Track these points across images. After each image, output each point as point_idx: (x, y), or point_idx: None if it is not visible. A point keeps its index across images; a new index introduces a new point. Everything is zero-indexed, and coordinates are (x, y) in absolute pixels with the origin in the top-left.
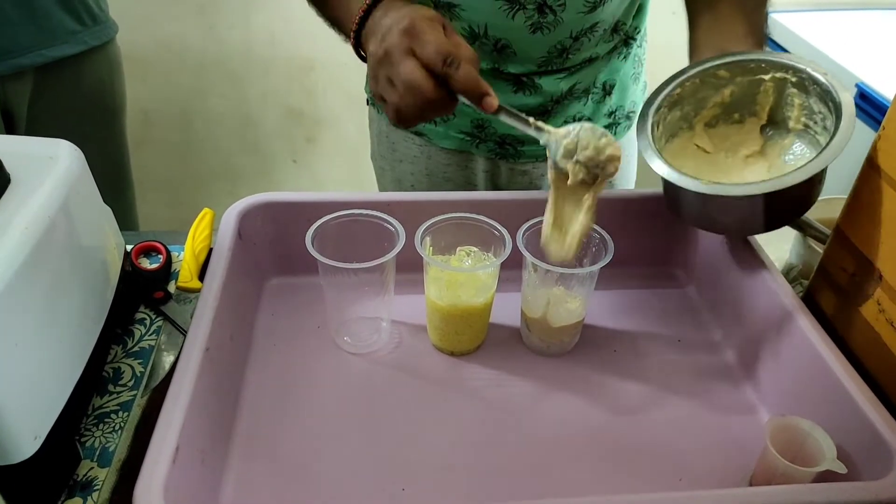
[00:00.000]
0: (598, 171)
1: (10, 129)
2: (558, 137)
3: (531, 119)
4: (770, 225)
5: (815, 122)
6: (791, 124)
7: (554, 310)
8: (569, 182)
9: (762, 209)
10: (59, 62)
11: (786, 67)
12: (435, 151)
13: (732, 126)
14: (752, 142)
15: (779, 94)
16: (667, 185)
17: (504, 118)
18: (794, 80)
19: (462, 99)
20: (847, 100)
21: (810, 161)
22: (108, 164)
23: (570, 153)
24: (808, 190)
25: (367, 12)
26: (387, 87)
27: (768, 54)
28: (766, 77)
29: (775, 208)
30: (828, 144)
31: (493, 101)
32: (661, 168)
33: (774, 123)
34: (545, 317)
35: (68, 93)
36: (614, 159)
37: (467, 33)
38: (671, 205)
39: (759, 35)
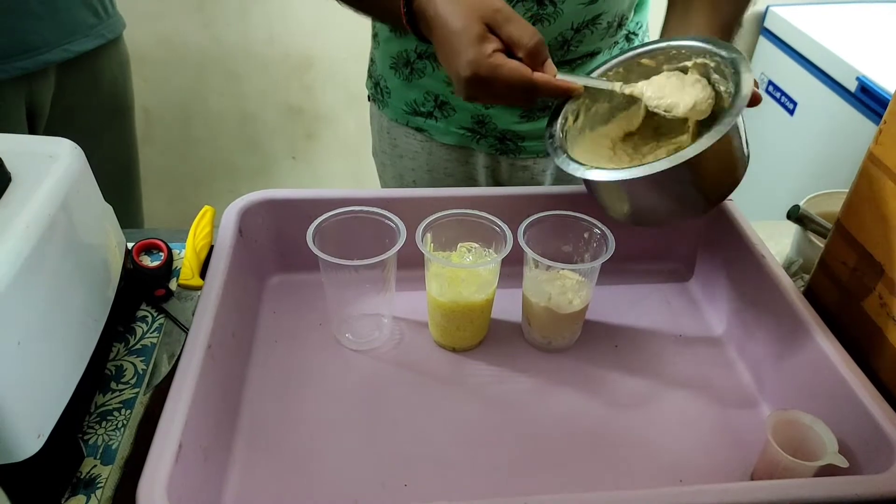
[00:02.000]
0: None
1: (32, 130)
2: (647, 87)
3: (617, 86)
4: (704, 204)
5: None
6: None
7: (556, 300)
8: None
9: (682, 188)
10: (79, 59)
11: (704, 52)
12: (436, 147)
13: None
14: (678, 131)
15: (707, 80)
16: (585, 184)
17: (591, 88)
18: (712, 64)
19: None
20: (747, 79)
21: (707, 134)
22: (120, 162)
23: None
24: (720, 161)
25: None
26: (490, 98)
27: (688, 39)
28: (689, 63)
29: (694, 185)
30: (724, 116)
31: (578, 90)
32: (566, 164)
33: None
34: (548, 307)
35: (87, 90)
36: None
37: None
38: (596, 200)
39: (727, 29)
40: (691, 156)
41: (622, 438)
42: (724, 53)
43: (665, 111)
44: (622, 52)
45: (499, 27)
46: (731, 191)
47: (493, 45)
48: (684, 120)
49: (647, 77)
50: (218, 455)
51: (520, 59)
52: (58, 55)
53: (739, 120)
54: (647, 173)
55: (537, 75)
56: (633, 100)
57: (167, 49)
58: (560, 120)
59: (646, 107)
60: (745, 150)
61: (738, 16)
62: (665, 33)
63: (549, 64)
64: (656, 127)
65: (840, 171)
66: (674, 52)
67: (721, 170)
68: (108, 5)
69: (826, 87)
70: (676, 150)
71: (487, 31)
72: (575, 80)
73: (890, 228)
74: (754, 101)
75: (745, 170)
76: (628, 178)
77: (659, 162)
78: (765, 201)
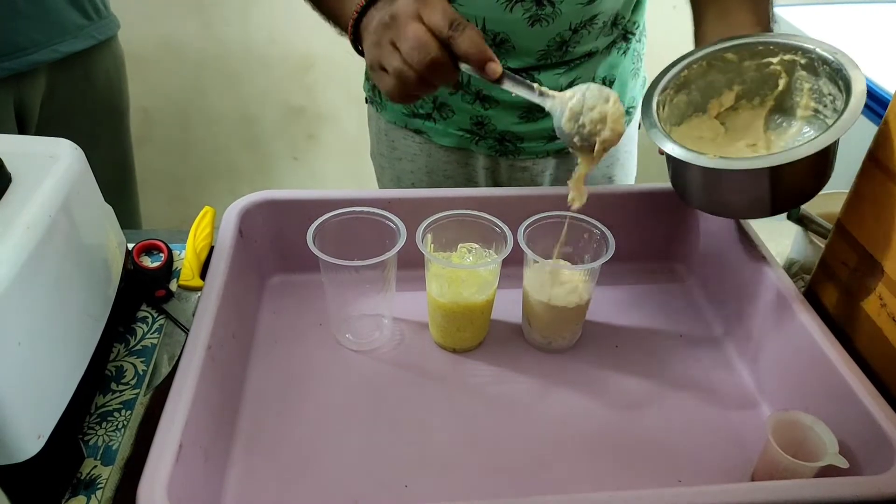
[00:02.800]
0: (594, 137)
1: (22, 131)
2: (563, 101)
3: (535, 85)
4: (776, 206)
5: (825, 106)
6: (800, 112)
7: (556, 298)
8: (569, 149)
9: (768, 187)
10: (70, 59)
11: (794, 49)
12: (434, 149)
13: (741, 114)
14: (754, 131)
15: (789, 77)
16: (675, 167)
17: (508, 86)
18: (803, 61)
19: (464, 68)
20: (857, 77)
21: (819, 135)
22: (116, 163)
23: (575, 115)
24: (815, 168)
25: (366, 8)
26: (390, 53)
27: (777, 36)
28: (775, 60)
29: (783, 187)
30: (838, 119)
31: (497, 67)
32: (668, 146)
33: (783, 111)
34: (548, 304)
35: (79, 91)
36: (618, 124)
37: None
38: (678, 187)
39: (766, 24)
40: (813, 151)
41: (622, 439)
42: (818, 51)
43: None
44: (707, 45)
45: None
46: (813, 195)
47: None
48: (752, 119)
49: (727, 73)
50: (218, 455)
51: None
52: (46, 56)
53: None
54: (781, 161)
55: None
56: (708, 94)
57: (167, 49)
58: (653, 109)
59: (729, 101)
60: (834, 162)
61: (772, 13)
62: (703, 30)
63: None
64: (727, 127)
65: (840, 171)
66: (760, 47)
67: (809, 178)
68: (99, 7)
69: None
70: (754, 148)
71: None
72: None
73: (890, 229)
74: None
75: (827, 181)
76: (723, 167)
77: (777, 154)
78: None
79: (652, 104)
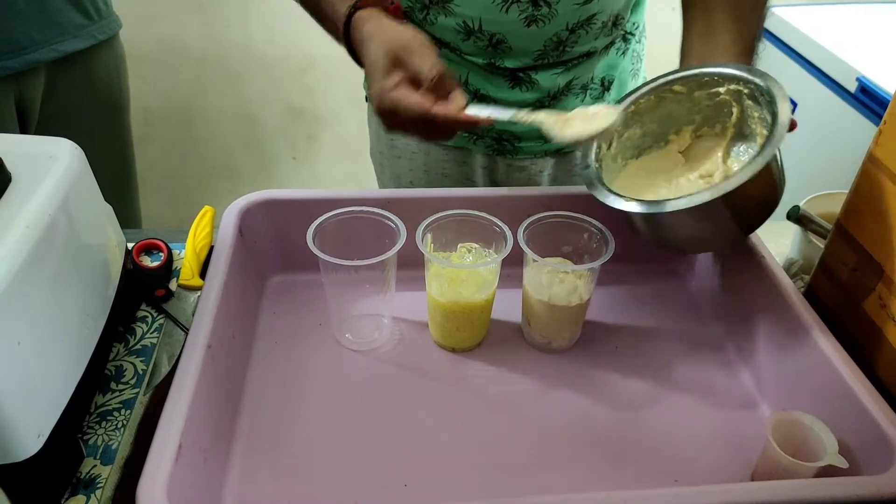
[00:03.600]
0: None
1: (23, 129)
2: (546, 127)
3: (521, 113)
4: (744, 230)
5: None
6: (758, 139)
7: (556, 296)
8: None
9: (711, 223)
10: (70, 58)
11: (737, 79)
12: (433, 148)
13: (702, 143)
14: (712, 160)
15: (740, 106)
16: (629, 219)
17: (486, 117)
18: (745, 91)
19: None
20: (784, 109)
21: (737, 172)
22: (115, 161)
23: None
24: (760, 188)
25: (348, 20)
26: (403, 131)
27: (717, 66)
28: (722, 90)
29: (721, 221)
30: (757, 154)
31: (484, 122)
32: (608, 199)
33: (744, 138)
34: (548, 302)
35: (79, 89)
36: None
37: (461, 29)
38: (647, 235)
39: (748, 42)
40: (733, 187)
41: (622, 439)
42: (758, 81)
43: (571, 138)
44: (654, 80)
45: (404, 61)
46: (769, 215)
47: (395, 78)
48: (712, 147)
49: (680, 104)
50: (218, 455)
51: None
52: (45, 55)
53: (778, 150)
54: (688, 205)
55: (437, 109)
56: (664, 126)
57: (168, 49)
58: (594, 149)
59: (691, 132)
60: (782, 175)
61: (760, 28)
62: (688, 51)
63: (456, 94)
64: (687, 156)
65: (840, 171)
66: (706, 78)
67: (760, 196)
68: (100, 6)
69: (826, 88)
70: (709, 179)
71: (394, 64)
72: (479, 113)
73: (890, 229)
74: (791, 127)
75: (782, 194)
76: (670, 209)
77: (700, 193)
78: None
79: (590, 154)
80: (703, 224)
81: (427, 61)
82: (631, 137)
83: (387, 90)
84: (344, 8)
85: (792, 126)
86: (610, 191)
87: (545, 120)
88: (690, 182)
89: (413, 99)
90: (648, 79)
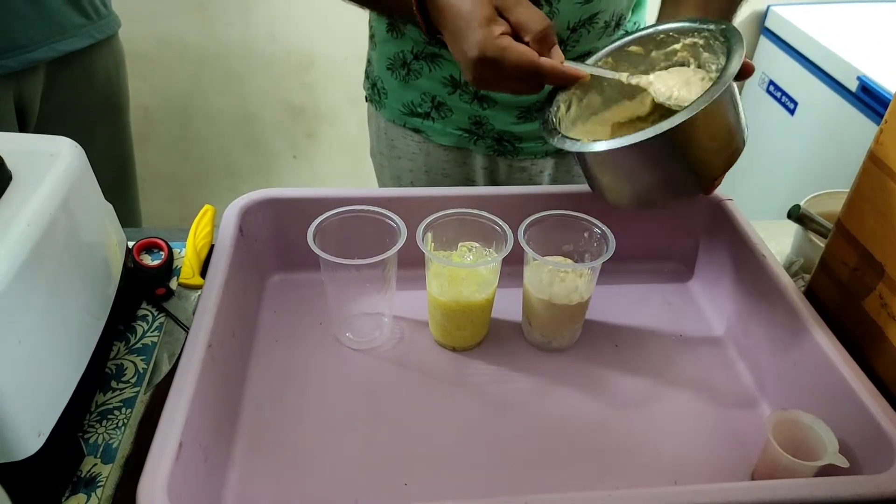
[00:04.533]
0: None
1: (22, 128)
2: (659, 94)
3: (624, 76)
4: (701, 176)
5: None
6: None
7: (557, 294)
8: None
9: (673, 160)
10: (69, 57)
11: (691, 31)
12: (433, 148)
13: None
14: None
15: (697, 61)
16: (583, 166)
17: (598, 75)
18: (701, 42)
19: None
20: (736, 51)
21: (695, 100)
22: (115, 160)
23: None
24: (707, 133)
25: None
26: (498, 84)
27: (673, 21)
28: (678, 46)
29: (685, 157)
30: (717, 80)
31: (585, 77)
32: (555, 140)
33: None
34: (549, 301)
35: (79, 88)
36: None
37: None
38: (595, 187)
39: (715, 14)
40: (679, 122)
41: (622, 438)
42: (712, 27)
43: (675, 105)
44: (610, 43)
45: (508, 11)
46: (728, 165)
47: (501, 27)
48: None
49: (636, 66)
50: (218, 454)
51: (527, 44)
52: (44, 54)
53: (735, 92)
54: (636, 140)
55: (544, 60)
56: (627, 92)
57: (168, 48)
58: (553, 107)
59: (652, 99)
60: (742, 122)
61: (730, 9)
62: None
63: (557, 50)
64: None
65: (841, 170)
66: (661, 36)
67: (715, 140)
68: (99, 6)
69: (827, 87)
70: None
71: (496, 13)
72: (582, 68)
73: (891, 228)
74: (746, 71)
75: (744, 143)
76: (617, 146)
77: (647, 130)
78: (765, 201)
79: (549, 108)
80: (654, 167)
81: (535, 14)
82: (591, 104)
83: (492, 37)
84: None
85: (747, 70)
86: (565, 136)
87: (654, 83)
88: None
89: (521, 48)
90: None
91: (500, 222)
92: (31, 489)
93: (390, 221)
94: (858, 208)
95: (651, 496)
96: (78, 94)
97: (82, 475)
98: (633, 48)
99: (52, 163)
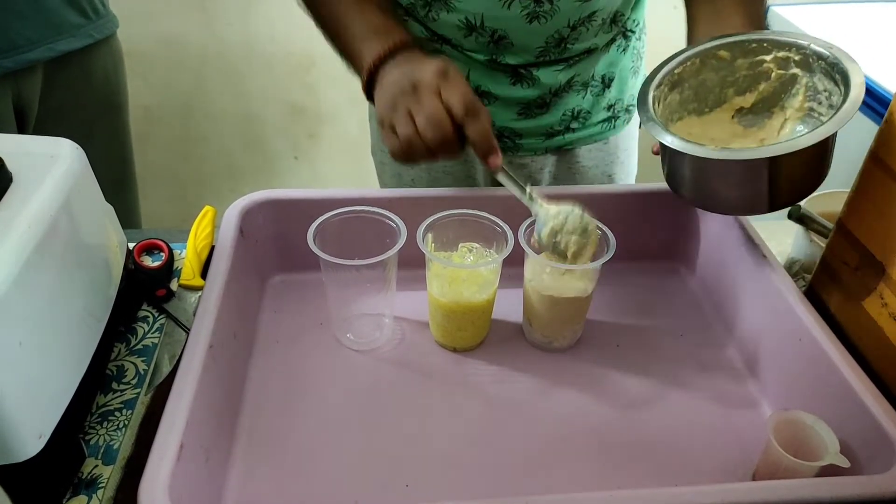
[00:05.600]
0: (567, 251)
1: (21, 127)
2: (548, 215)
3: (528, 188)
4: (774, 202)
5: (820, 103)
6: (793, 110)
7: (557, 289)
8: (541, 253)
9: (767, 180)
10: (67, 56)
11: (788, 45)
12: None
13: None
14: (766, 130)
15: (782, 74)
16: (671, 161)
17: (502, 179)
18: (797, 58)
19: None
20: (855, 69)
21: (819, 126)
22: (114, 160)
23: (554, 233)
24: (815, 161)
25: (384, 59)
26: (405, 120)
27: (771, 33)
28: (768, 57)
29: (782, 179)
30: (837, 111)
31: (497, 160)
32: (667, 138)
33: (758, 111)
34: (550, 295)
35: (77, 88)
36: (585, 254)
37: (463, 25)
38: (674, 182)
39: (759, 26)
40: (815, 140)
41: (623, 438)
42: (813, 46)
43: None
44: (699, 44)
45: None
46: (811, 190)
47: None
48: (769, 115)
49: (719, 72)
50: (219, 455)
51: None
52: (42, 54)
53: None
54: (782, 151)
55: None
56: (701, 93)
57: (169, 48)
58: (650, 103)
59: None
60: (831, 159)
61: (765, 12)
62: (695, 32)
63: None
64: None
65: (841, 170)
66: (754, 44)
67: (812, 168)
68: (98, 6)
69: None
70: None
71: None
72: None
73: (891, 228)
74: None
75: (823, 180)
76: (731, 157)
77: (779, 145)
78: None
79: (648, 99)
80: (751, 181)
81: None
82: (671, 103)
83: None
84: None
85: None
86: (671, 133)
87: (545, 208)
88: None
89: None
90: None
91: (501, 223)
92: (33, 491)
93: (391, 222)
94: (859, 208)
95: (652, 496)
96: (76, 94)
97: (83, 477)
98: (721, 52)
99: (53, 164)
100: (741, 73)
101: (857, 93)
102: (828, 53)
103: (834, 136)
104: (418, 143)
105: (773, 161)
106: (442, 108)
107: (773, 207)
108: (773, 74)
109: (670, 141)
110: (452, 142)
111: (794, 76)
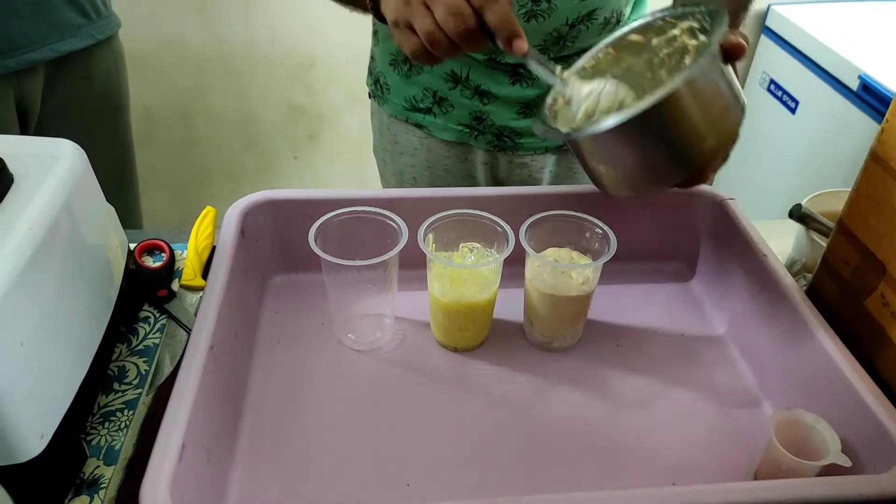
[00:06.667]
0: None
1: (23, 127)
2: (580, 97)
3: (558, 69)
4: (691, 159)
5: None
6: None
7: (558, 287)
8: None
9: (655, 142)
10: (69, 57)
11: (687, 15)
12: (435, 143)
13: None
14: None
15: (696, 45)
16: (577, 156)
17: (532, 64)
18: (697, 26)
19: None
20: (721, 24)
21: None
22: (115, 160)
23: (589, 115)
24: (697, 110)
25: None
26: (422, 14)
27: (667, 9)
28: (677, 32)
29: (669, 140)
30: (690, 65)
31: (523, 44)
32: (540, 129)
33: None
34: (552, 294)
35: (79, 87)
36: None
37: None
38: (593, 178)
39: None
40: (659, 97)
41: (624, 438)
42: (702, 9)
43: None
44: (611, 35)
45: None
46: (724, 143)
47: None
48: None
49: (640, 55)
50: (221, 455)
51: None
52: (43, 54)
53: (726, 73)
54: (621, 120)
55: None
56: (630, 80)
57: (169, 49)
58: (549, 100)
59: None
60: (737, 100)
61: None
62: None
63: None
64: None
65: (842, 169)
66: (660, 23)
67: (707, 117)
68: (99, 6)
69: (828, 86)
70: None
71: None
72: (530, 50)
73: (892, 227)
74: (735, 51)
75: (742, 118)
76: (606, 127)
77: (627, 110)
78: (766, 200)
79: (547, 99)
80: (638, 151)
81: None
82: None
83: None
84: None
85: (735, 50)
86: (552, 128)
87: (577, 87)
88: None
89: None
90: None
91: (502, 223)
92: (34, 491)
93: (391, 222)
94: (860, 207)
95: (654, 496)
96: (78, 95)
97: (85, 477)
98: (633, 37)
99: (54, 165)
100: (662, 51)
101: (713, 43)
102: (706, 14)
103: (699, 85)
104: (440, 36)
105: (643, 120)
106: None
107: (682, 176)
108: (690, 46)
109: (541, 131)
110: (475, 30)
111: (705, 44)
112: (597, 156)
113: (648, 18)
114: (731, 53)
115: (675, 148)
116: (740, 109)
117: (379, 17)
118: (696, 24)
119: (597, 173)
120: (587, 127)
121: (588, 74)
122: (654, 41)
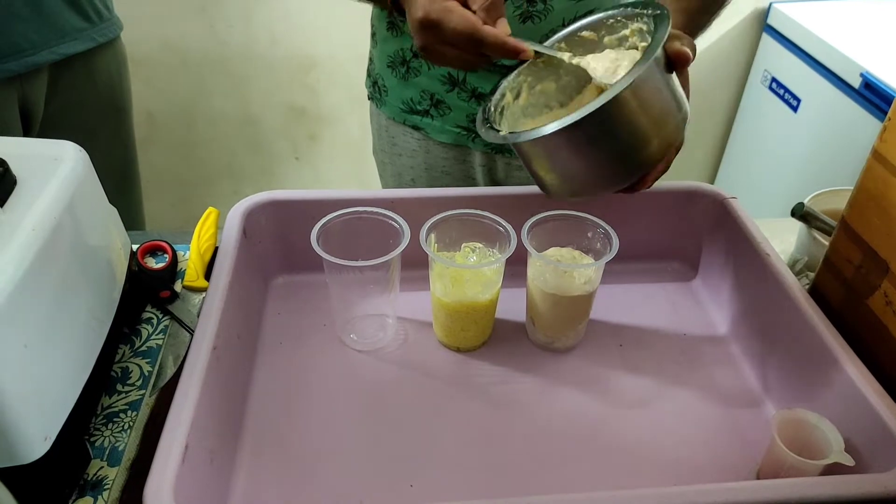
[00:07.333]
0: None
1: (27, 130)
2: (596, 76)
3: (566, 56)
4: (631, 164)
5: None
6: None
7: (560, 286)
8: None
9: (596, 147)
10: (71, 59)
11: (635, 16)
12: (433, 145)
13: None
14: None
15: (645, 46)
16: (521, 157)
17: (544, 50)
18: (644, 27)
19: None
20: (662, 30)
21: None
22: (117, 162)
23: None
24: (637, 117)
25: None
26: (436, 56)
27: (618, 7)
28: (628, 31)
29: (606, 146)
30: (636, 64)
31: (525, 49)
32: (483, 132)
33: None
34: (553, 293)
35: (82, 90)
36: None
37: None
38: (537, 181)
39: (686, 10)
40: (598, 105)
41: (626, 438)
42: (649, 11)
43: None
44: (564, 29)
45: None
46: (664, 150)
47: None
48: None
49: (591, 52)
50: (224, 456)
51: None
52: (45, 57)
53: (668, 79)
54: (562, 125)
55: (486, 28)
56: (582, 80)
57: (170, 51)
58: (496, 96)
59: (597, 86)
60: (679, 107)
61: (706, 9)
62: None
63: (504, 22)
64: None
65: (844, 168)
66: (611, 21)
67: (647, 123)
68: (101, 9)
69: (830, 84)
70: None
71: None
72: (526, 44)
73: (895, 226)
74: (681, 59)
75: (684, 126)
76: (548, 132)
77: (570, 116)
78: (769, 199)
79: (490, 96)
80: (583, 156)
81: None
82: (545, 91)
83: (438, 0)
84: None
85: (678, 57)
86: (492, 127)
87: (593, 65)
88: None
89: (464, 12)
90: None
91: (504, 223)
92: (38, 492)
93: (393, 223)
94: (862, 206)
95: (656, 496)
96: (81, 97)
97: (89, 478)
98: (585, 33)
99: (57, 167)
100: (614, 48)
101: (651, 50)
102: (652, 14)
103: (642, 90)
104: (471, 59)
105: (578, 128)
106: (460, 38)
107: (637, 168)
108: (640, 47)
109: (484, 134)
110: (486, 61)
111: (646, 49)
112: (537, 159)
113: (601, 15)
114: (675, 62)
115: (614, 154)
116: (682, 117)
117: (398, 9)
118: (644, 27)
119: (538, 176)
120: (526, 132)
121: (543, 69)
122: (606, 38)
